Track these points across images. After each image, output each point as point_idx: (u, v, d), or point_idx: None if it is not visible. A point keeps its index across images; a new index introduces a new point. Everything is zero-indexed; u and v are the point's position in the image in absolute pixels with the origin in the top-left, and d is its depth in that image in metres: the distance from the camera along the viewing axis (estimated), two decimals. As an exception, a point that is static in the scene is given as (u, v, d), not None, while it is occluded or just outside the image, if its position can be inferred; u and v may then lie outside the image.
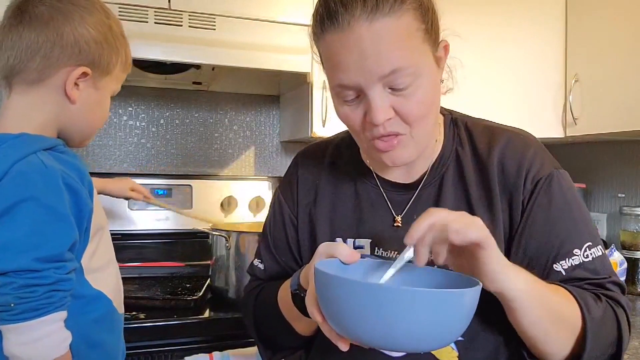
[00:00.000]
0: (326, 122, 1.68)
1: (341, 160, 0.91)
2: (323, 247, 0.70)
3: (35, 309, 0.71)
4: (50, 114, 0.83)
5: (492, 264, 0.64)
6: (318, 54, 0.79)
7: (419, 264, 0.63)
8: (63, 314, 0.75)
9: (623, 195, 1.99)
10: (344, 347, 0.63)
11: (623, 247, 1.74)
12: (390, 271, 0.65)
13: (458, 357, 0.77)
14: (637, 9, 1.59)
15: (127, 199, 1.62)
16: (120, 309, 0.90)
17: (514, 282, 0.66)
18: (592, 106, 1.75)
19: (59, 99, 0.83)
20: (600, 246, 0.78)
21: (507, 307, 0.69)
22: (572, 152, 2.15)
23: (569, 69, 1.84)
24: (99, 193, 1.53)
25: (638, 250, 1.70)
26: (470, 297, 0.57)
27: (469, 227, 0.61)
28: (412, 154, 0.77)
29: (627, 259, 1.68)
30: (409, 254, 0.64)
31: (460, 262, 0.67)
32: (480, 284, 0.60)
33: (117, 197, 1.59)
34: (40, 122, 0.83)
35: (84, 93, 0.85)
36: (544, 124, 1.81)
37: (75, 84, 0.83)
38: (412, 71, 0.70)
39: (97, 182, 1.52)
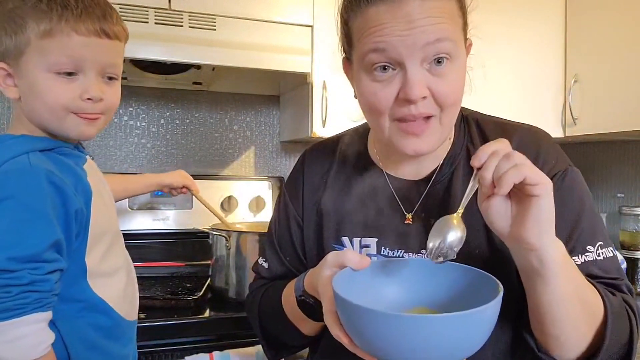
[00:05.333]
0: (326, 122, 1.68)
1: (350, 157, 0.90)
2: (331, 257, 0.69)
3: (10, 309, 0.70)
4: (21, 115, 0.83)
5: (543, 216, 0.62)
6: (343, 30, 0.78)
7: (483, 188, 0.64)
8: (44, 315, 0.73)
9: (622, 195, 2.00)
10: None
11: (622, 247, 1.74)
12: (464, 202, 0.66)
13: (467, 358, 0.77)
14: (637, 9, 1.59)
15: (182, 189, 1.59)
16: (130, 316, 0.89)
17: (557, 247, 0.65)
18: (591, 106, 1.75)
19: (13, 102, 0.82)
20: (612, 247, 0.77)
21: (540, 277, 0.66)
22: (571, 152, 2.15)
23: (569, 69, 1.84)
24: (159, 188, 1.54)
25: (637, 250, 1.70)
26: (491, 311, 0.57)
27: (529, 166, 0.60)
28: (435, 144, 0.75)
29: (627, 259, 1.69)
30: (474, 182, 0.65)
31: (515, 210, 0.65)
32: (501, 291, 0.59)
33: (177, 189, 1.57)
34: (25, 124, 0.82)
35: (20, 85, 0.79)
36: (543, 124, 1.80)
37: (9, 78, 0.79)
38: (452, 47, 0.71)
39: (153, 177, 1.53)
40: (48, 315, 0.75)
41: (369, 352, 0.61)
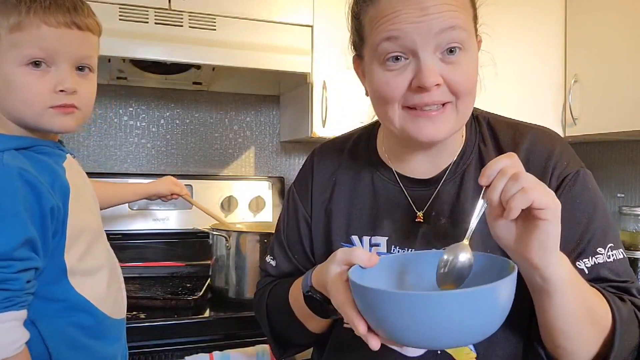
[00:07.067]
0: (326, 122, 1.68)
1: (359, 156, 0.90)
2: (340, 254, 0.69)
3: None
4: None
5: (549, 240, 0.61)
6: (354, 26, 0.78)
7: (491, 209, 0.62)
8: (16, 314, 0.73)
9: (622, 195, 1.99)
10: (375, 344, 0.62)
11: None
12: (472, 226, 0.64)
13: (476, 358, 0.76)
14: (637, 9, 1.59)
15: (171, 196, 1.59)
16: (116, 314, 0.89)
17: (561, 265, 0.64)
18: (591, 106, 1.75)
19: None
20: (622, 250, 0.77)
21: (546, 293, 0.66)
22: (572, 152, 2.15)
23: (569, 69, 1.84)
24: (145, 198, 1.54)
25: (637, 250, 1.70)
26: (506, 287, 0.57)
27: (537, 189, 0.59)
28: (449, 131, 0.74)
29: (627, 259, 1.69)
30: (482, 203, 0.63)
31: (520, 230, 0.64)
32: (515, 269, 0.58)
33: (165, 196, 1.57)
34: (3, 124, 0.81)
35: None
36: (543, 124, 1.81)
37: None
38: (465, 36, 0.71)
39: (138, 187, 1.53)
40: (21, 314, 0.74)
41: (387, 337, 0.60)
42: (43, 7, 0.77)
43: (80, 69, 0.83)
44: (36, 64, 0.78)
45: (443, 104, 0.72)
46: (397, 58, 0.71)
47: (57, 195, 0.79)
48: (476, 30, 0.77)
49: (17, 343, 0.73)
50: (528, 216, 0.61)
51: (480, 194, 0.64)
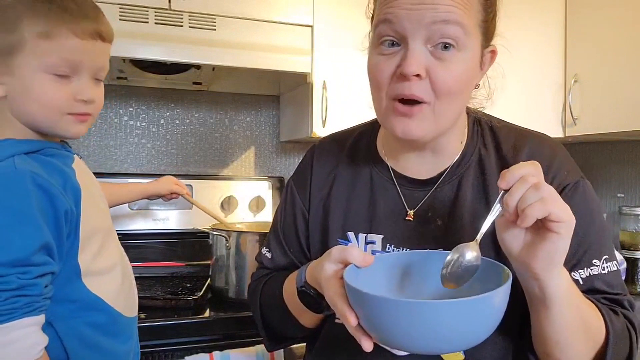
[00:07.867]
0: (326, 122, 1.69)
1: (360, 152, 0.90)
2: (335, 252, 0.68)
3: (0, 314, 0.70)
4: (6, 114, 0.81)
5: (557, 254, 0.61)
6: (371, 7, 0.79)
7: (505, 213, 0.61)
8: (35, 319, 0.73)
9: (622, 195, 2.00)
10: (368, 346, 0.62)
11: (622, 247, 1.74)
12: (484, 228, 0.64)
13: (464, 359, 0.76)
14: (637, 9, 1.59)
15: (171, 195, 1.59)
16: (129, 312, 0.89)
17: (561, 278, 0.64)
18: (591, 106, 1.75)
19: None
20: (615, 262, 0.77)
21: (543, 304, 0.66)
22: (571, 152, 2.13)
23: (569, 69, 1.84)
24: (145, 197, 1.55)
25: (637, 250, 1.70)
26: (501, 296, 0.57)
27: (556, 201, 0.59)
28: (427, 131, 0.74)
29: (627, 259, 1.69)
30: (498, 207, 0.63)
31: (530, 238, 0.63)
32: (510, 278, 0.58)
33: (165, 196, 1.58)
34: (10, 125, 0.81)
35: (9, 83, 0.78)
36: (543, 124, 1.82)
37: None
38: (461, 34, 0.70)
39: (138, 186, 1.54)
40: (40, 319, 0.74)
41: (383, 342, 0.60)
42: (73, 17, 0.77)
43: (96, 79, 0.84)
44: (62, 76, 0.78)
45: (421, 103, 0.72)
46: (392, 43, 0.72)
47: (69, 197, 0.78)
48: (488, 38, 0.76)
49: (36, 348, 0.73)
50: (540, 227, 0.61)
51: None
